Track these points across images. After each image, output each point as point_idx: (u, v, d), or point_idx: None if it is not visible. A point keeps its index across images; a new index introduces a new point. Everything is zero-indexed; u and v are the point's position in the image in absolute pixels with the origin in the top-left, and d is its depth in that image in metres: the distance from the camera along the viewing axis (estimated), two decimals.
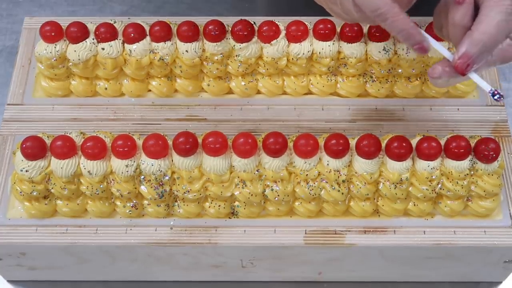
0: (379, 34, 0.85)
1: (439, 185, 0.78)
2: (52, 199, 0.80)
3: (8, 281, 0.87)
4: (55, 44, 0.84)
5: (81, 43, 0.84)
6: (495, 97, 0.69)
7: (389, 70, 0.86)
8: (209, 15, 0.88)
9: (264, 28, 0.84)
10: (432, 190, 0.78)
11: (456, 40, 0.69)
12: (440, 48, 0.71)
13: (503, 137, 0.86)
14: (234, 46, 0.85)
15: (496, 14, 0.66)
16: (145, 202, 0.79)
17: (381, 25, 0.68)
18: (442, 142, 0.78)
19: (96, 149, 0.76)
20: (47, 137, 0.79)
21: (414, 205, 0.80)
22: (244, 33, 0.84)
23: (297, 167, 0.77)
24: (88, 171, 0.77)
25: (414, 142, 0.78)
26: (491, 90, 0.69)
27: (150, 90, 0.89)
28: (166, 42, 0.84)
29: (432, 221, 0.80)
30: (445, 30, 0.71)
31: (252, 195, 0.78)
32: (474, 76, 0.69)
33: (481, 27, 0.67)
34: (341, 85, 0.88)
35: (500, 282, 0.87)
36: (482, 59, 0.68)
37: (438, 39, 0.76)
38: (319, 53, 0.85)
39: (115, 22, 0.86)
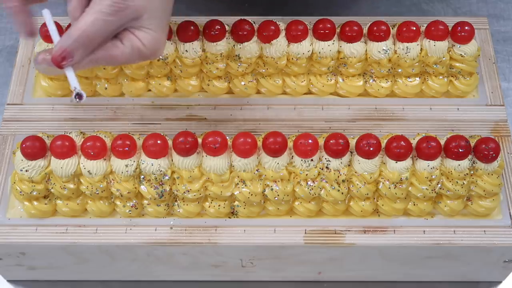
0: (379, 34, 0.85)
1: (439, 185, 0.78)
2: (52, 199, 0.80)
3: (8, 281, 0.87)
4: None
5: None
6: (76, 98, 0.68)
7: (389, 69, 0.86)
8: (209, 15, 0.88)
9: (264, 28, 0.85)
10: (432, 190, 0.78)
11: None
12: (53, 35, 0.70)
13: (502, 137, 0.86)
14: (234, 46, 0.85)
15: (94, 12, 0.66)
16: (145, 201, 0.79)
17: None
18: (442, 142, 0.78)
19: (96, 149, 0.76)
20: (47, 137, 0.79)
21: (414, 204, 0.80)
22: (244, 33, 0.84)
23: (297, 166, 0.77)
24: (88, 171, 0.77)
25: (414, 142, 0.78)
26: (74, 88, 0.68)
27: (150, 90, 0.89)
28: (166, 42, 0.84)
29: (432, 220, 0.80)
30: None
31: (252, 194, 0.78)
32: (68, 72, 0.68)
33: (79, 23, 0.67)
34: (341, 85, 0.88)
35: (500, 282, 0.87)
36: (78, 55, 0.67)
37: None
38: (319, 53, 0.85)
39: None
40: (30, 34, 0.72)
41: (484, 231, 0.79)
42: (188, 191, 0.78)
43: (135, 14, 0.68)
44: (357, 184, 0.78)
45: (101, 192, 0.78)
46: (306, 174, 0.77)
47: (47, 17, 0.72)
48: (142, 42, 0.70)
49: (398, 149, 0.77)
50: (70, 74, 0.68)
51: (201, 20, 0.86)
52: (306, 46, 0.85)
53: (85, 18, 0.67)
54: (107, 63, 0.71)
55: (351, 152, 0.78)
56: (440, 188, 0.78)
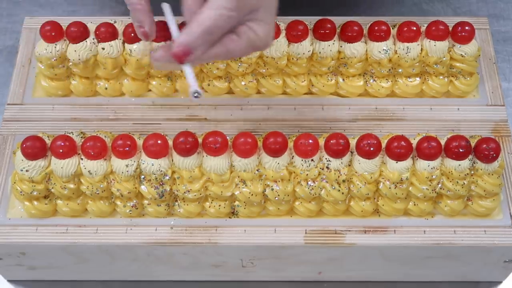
0: (379, 34, 0.85)
1: (439, 185, 0.78)
2: (52, 199, 0.80)
3: (8, 280, 0.87)
4: (55, 44, 0.84)
5: (81, 43, 0.84)
6: (194, 96, 0.68)
7: (389, 69, 0.86)
8: None
9: None
10: (432, 190, 0.78)
11: None
12: (173, 29, 0.71)
13: (503, 137, 0.86)
14: None
15: (217, 8, 0.66)
16: (145, 201, 0.79)
17: None
18: (442, 142, 0.78)
19: (96, 149, 0.76)
20: (47, 137, 0.79)
21: (414, 204, 0.80)
22: None
23: (297, 166, 0.77)
24: (88, 171, 0.77)
25: (414, 142, 0.78)
26: (193, 88, 0.68)
27: (150, 90, 0.89)
28: (166, 42, 0.84)
29: (432, 220, 0.80)
30: None
31: (252, 194, 0.78)
32: (186, 68, 0.68)
33: (200, 17, 0.66)
34: (342, 85, 0.88)
35: (500, 282, 0.87)
36: (200, 50, 0.67)
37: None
38: (320, 53, 0.85)
39: (115, 22, 0.86)
40: (146, 35, 0.73)
41: (485, 231, 0.79)
42: (189, 191, 0.78)
43: (254, 7, 0.68)
44: (358, 184, 0.78)
45: (102, 192, 0.78)
46: (307, 174, 0.77)
47: (167, 11, 0.71)
48: (257, 33, 0.69)
49: (399, 149, 0.77)
50: (188, 70, 0.68)
51: None
52: (307, 46, 0.85)
53: (207, 13, 0.66)
54: (224, 57, 0.70)
55: (351, 152, 0.78)
56: (440, 188, 0.78)
